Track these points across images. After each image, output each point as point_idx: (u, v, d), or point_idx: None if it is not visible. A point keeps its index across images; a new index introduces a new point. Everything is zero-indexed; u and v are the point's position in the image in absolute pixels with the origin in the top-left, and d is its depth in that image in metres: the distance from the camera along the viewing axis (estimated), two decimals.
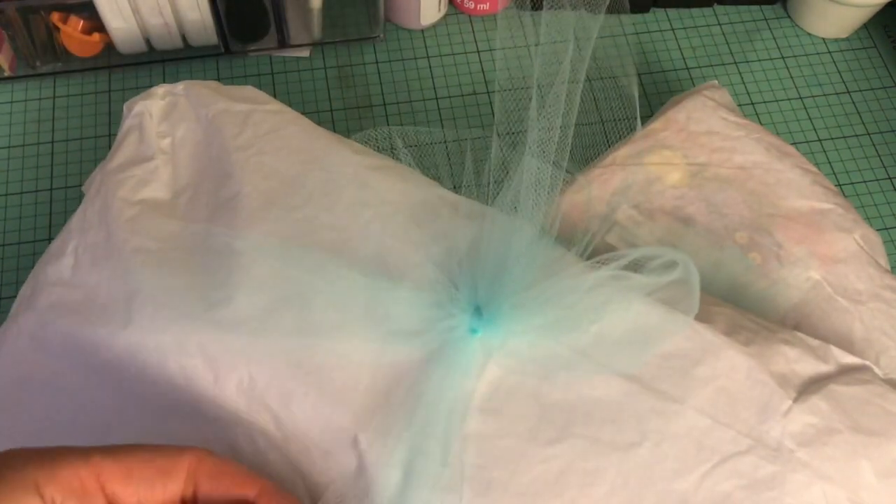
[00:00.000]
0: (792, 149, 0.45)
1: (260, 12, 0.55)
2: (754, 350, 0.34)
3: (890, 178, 0.56)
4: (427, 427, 0.32)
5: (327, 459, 0.33)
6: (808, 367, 0.35)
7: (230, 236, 0.36)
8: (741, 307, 0.39)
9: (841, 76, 0.60)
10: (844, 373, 0.35)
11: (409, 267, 0.35)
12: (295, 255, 0.35)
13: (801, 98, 0.59)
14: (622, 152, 0.44)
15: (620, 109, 0.48)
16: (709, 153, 0.44)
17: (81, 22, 0.54)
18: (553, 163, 0.36)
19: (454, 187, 0.40)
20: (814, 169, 0.45)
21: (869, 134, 0.57)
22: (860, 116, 0.58)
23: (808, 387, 0.34)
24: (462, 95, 0.57)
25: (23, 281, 0.49)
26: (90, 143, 0.54)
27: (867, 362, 0.36)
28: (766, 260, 0.41)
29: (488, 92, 0.58)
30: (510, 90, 0.40)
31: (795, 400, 0.33)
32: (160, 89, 0.43)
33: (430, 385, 0.33)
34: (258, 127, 0.40)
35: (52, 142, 0.54)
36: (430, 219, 0.37)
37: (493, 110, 0.57)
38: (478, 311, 0.34)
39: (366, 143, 0.43)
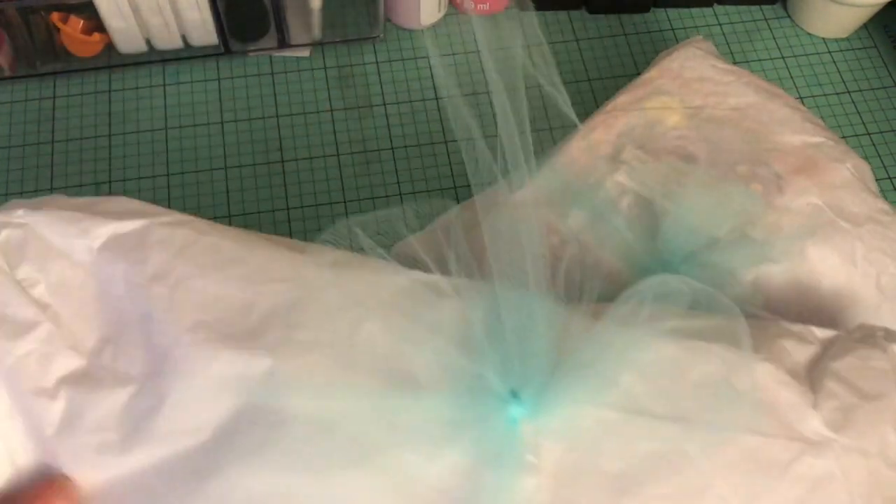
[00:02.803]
0: (780, 90, 0.48)
1: (260, 12, 0.55)
2: (763, 354, 0.35)
3: (890, 178, 0.56)
4: None
5: None
6: (803, 353, 0.35)
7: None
8: (750, 239, 0.40)
9: (841, 76, 0.60)
10: (828, 347, 0.36)
11: (419, 368, 0.31)
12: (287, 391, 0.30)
13: (801, 98, 0.59)
14: (622, 99, 0.46)
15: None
16: (704, 97, 0.46)
17: (81, 22, 0.54)
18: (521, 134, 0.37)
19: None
20: (803, 108, 0.47)
21: (869, 134, 0.57)
22: (860, 116, 0.58)
23: (812, 373, 0.35)
24: (462, 95, 0.57)
25: None
26: (90, 143, 0.54)
27: (838, 331, 0.37)
28: (768, 189, 0.43)
29: (488, 92, 0.58)
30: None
31: (811, 389, 0.34)
32: None
33: (484, 492, 0.29)
34: (165, 247, 0.32)
35: (52, 142, 0.54)
36: (417, 307, 0.33)
37: (493, 110, 0.57)
38: (513, 394, 0.31)
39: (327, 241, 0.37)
